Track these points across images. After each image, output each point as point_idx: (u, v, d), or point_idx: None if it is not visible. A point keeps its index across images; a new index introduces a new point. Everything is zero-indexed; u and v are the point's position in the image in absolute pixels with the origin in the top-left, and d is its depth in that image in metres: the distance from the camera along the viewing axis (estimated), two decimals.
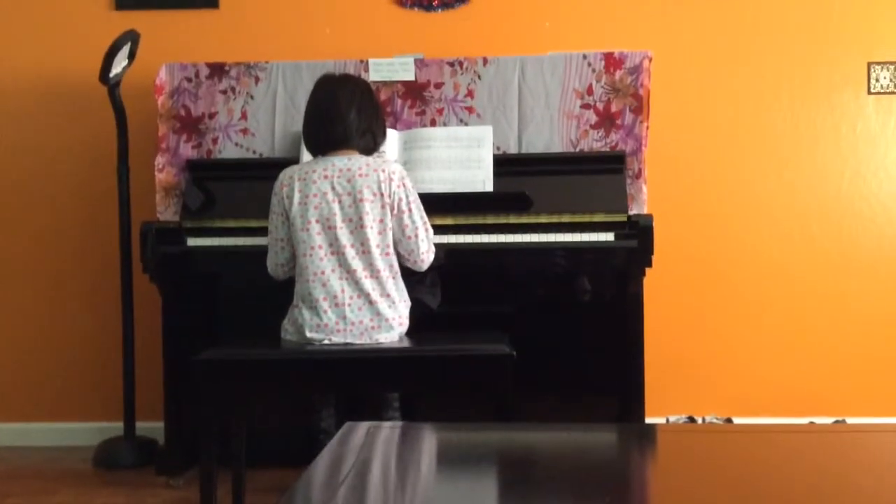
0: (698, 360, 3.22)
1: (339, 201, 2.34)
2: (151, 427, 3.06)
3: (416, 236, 2.40)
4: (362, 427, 1.52)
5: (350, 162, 2.38)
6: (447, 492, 1.30)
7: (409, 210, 2.39)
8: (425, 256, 2.44)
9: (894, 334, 3.20)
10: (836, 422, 3.05)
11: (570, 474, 1.34)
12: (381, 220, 2.36)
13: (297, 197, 2.36)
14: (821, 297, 3.21)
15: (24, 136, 3.34)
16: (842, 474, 1.32)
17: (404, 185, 2.39)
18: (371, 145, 2.46)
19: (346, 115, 2.41)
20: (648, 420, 2.83)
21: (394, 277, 2.38)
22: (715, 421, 3.09)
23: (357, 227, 2.34)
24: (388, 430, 1.59)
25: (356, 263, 2.33)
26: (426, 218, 2.43)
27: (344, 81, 2.49)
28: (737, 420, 3.12)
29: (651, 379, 2.77)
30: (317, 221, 2.34)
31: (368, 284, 2.33)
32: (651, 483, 1.35)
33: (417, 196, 2.43)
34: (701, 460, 1.42)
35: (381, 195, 2.35)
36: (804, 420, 3.08)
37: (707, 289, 3.23)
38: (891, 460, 1.40)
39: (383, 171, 2.37)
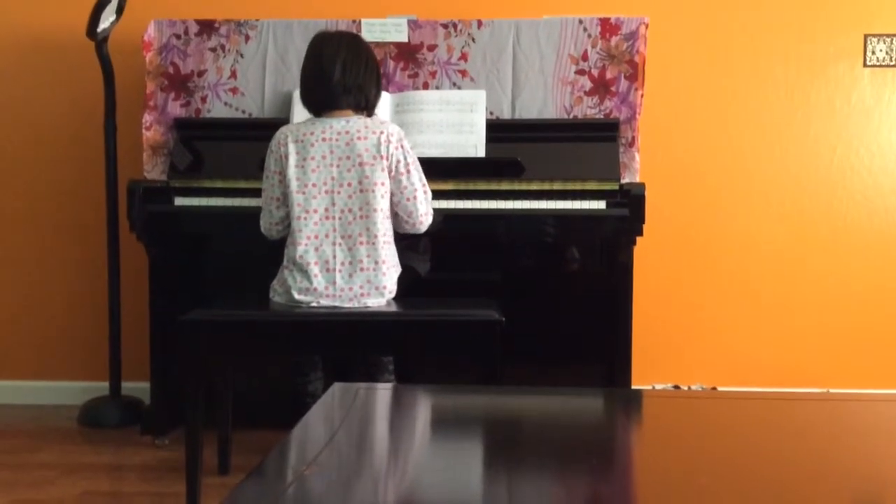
0: (685, 330, 3.23)
1: (338, 165, 2.31)
2: (137, 387, 3.05)
3: (416, 198, 2.38)
4: (350, 388, 1.51)
5: (348, 124, 2.34)
6: (433, 452, 1.30)
7: (408, 171, 2.36)
8: (424, 219, 2.41)
9: (880, 307, 3.22)
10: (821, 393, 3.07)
11: (556, 436, 1.34)
12: (383, 184, 2.33)
13: (293, 159, 2.32)
14: (809, 270, 3.22)
15: (9, 93, 3.28)
16: (825, 439, 1.33)
17: (402, 146, 2.36)
18: (363, 102, 2.40)
19: (329, 73, 2.36)
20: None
21: (388, 243, 2.36)
22: (700, 390, 3.10)
23: (357, 190, 2.31)
24: (376, 392, 1.59)
25: (353, 228, 2.31)
26: (424, 179, 2.41)
27: (329, 39, 2.42)
28: (722, 390, 3.13)
29: (638, 347, 2.78)
30: (314, 185, 2.31)
31: (363, 250, 2.31)
32: (636, 446, 1.35)
33: (416, 157, 2.40)
34: (686, 425, 1.42)
35: (381, 157, 2.32)
36: (789, 391, 3.10)
37: (696, 259, 3.23)
38: (873, 426, 1.40)
39: (381, 132, 2.33)
